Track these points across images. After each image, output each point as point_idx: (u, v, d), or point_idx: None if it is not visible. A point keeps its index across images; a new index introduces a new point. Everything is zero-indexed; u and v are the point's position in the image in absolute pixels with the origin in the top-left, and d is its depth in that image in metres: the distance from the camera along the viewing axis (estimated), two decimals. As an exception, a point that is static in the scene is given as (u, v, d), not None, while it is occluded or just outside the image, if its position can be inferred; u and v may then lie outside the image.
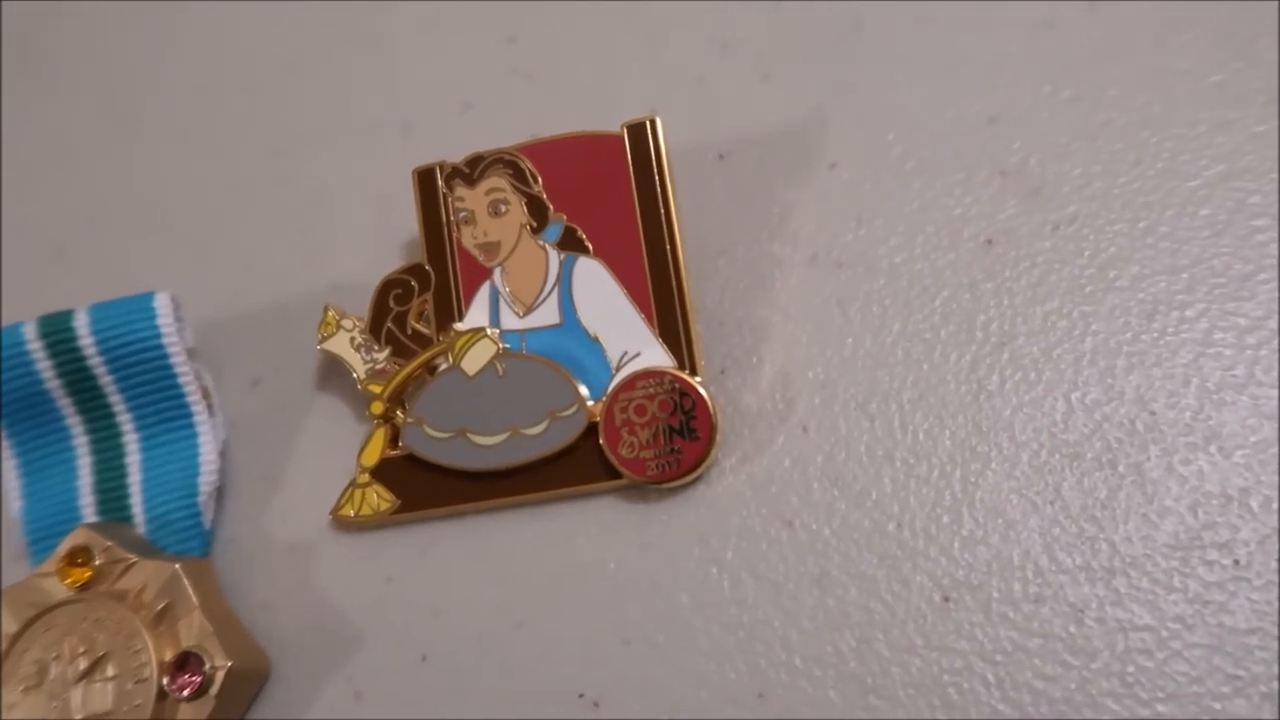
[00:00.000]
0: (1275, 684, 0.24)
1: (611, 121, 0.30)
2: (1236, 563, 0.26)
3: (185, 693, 0.27)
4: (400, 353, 0.30)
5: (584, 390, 0.29)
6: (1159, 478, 0.27)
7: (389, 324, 0.30)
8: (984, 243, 0.29)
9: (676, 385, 0.28)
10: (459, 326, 0.30)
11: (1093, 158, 0.30)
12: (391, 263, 0.31)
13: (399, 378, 0.30)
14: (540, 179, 0.30)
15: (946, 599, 0.27)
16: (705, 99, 0.33)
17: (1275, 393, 0.27)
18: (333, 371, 0.32)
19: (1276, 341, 0.27)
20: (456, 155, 0.31)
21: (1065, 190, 0.29)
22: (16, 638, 0.28)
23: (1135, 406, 0.27)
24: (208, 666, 0.27)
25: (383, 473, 0.30)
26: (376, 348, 0.30)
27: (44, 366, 0.30)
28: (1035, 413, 0.28)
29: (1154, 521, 0.26)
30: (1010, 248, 0.29)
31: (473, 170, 0.30)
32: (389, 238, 0.33)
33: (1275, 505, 0.26)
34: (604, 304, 0.29)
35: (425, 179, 0.31)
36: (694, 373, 0.29)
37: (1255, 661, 0.25)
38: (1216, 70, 0.30)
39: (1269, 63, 0.29)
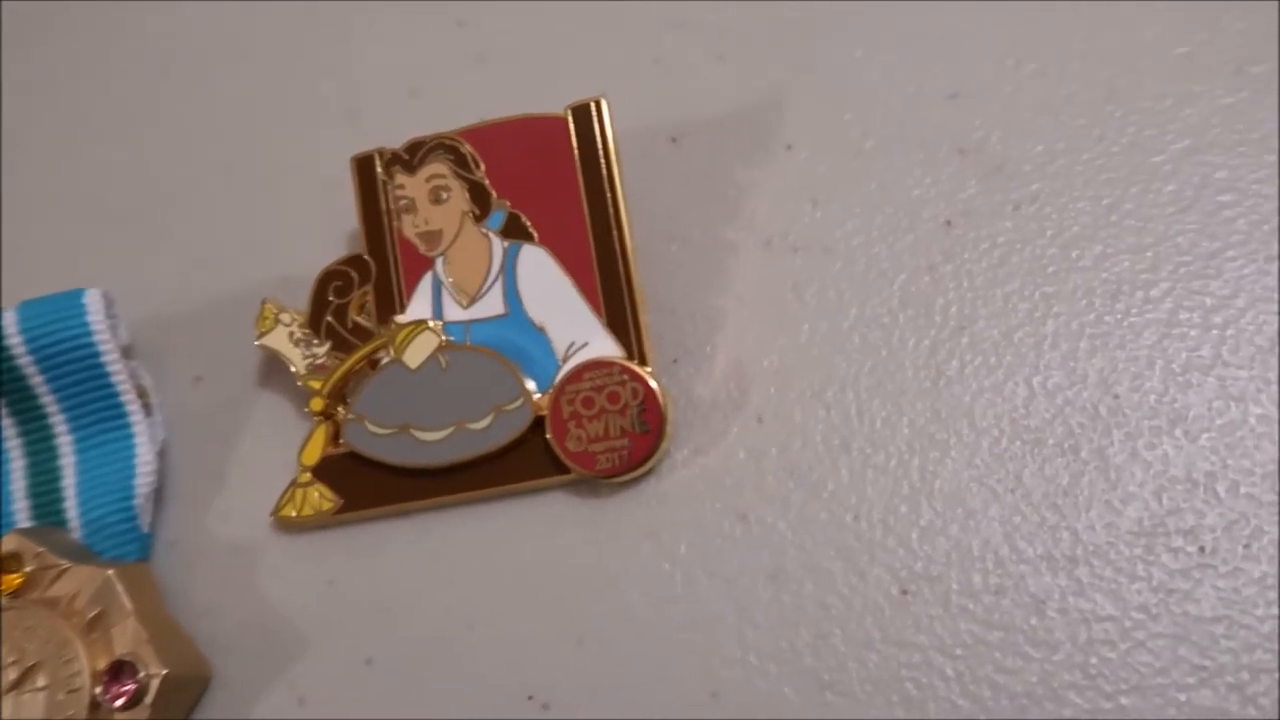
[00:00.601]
0: (1242, 674, 0.24)
1: (563, 105, 0.29)
2: (1202, 549, 0.25)
3: (119, 703, 0.26)
4: (341, 347, 0.29)
5: (530, 383, 0.28)
6: (1123, 463, 0.26)
7: (329, 317, 0.29)
8: (943, 223, 0.29)
9: (625, 376, 0.27)
10: (400, 318, 0.29)
11: (1056, 134, 0.29)
12: (337, 253, 0.31)
13: (339, 373, 0.29)
14: (483, 164, 0.29)
15: (905, 591, 0.26)
16: (658, 81, 0.32)
17: (1243, 374, 0.26)
18: (276, 368, 0.31)
19: (1243, 321, 0.26)
20: (406, 141, 0.30)
21: (1027, 168, 0.29)
22: (-56, 648, 0.27)
23: (1098, 390, 0.27)
24: (142, 674, 0.26)
25: (324, 471, 0.29)
26: (316, 342, 0.29)
27: (-31, 368, 0.29)
28: (996, 398, 0.27)
29: (1117, 508, 0.25)
30: (970, 228, 0.29)
31: (412, 157, 0.30)
32: (336, 228, 0.32)
33: (1242, 490, 0.25)
34: (550, 293, 0.28)
35: (364, 167, 0.30)
36: (643, 363, 0.28)
37: (1221, 651, 0.24)
38: (1182, 42, 0.29)
39: (1235, 34, 0.29)
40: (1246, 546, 0.25)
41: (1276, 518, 0.25)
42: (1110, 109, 0.29)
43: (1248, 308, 0.26)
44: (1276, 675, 0.24)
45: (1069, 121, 0.29)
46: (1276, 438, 0.25)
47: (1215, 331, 0.26)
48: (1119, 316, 0.27)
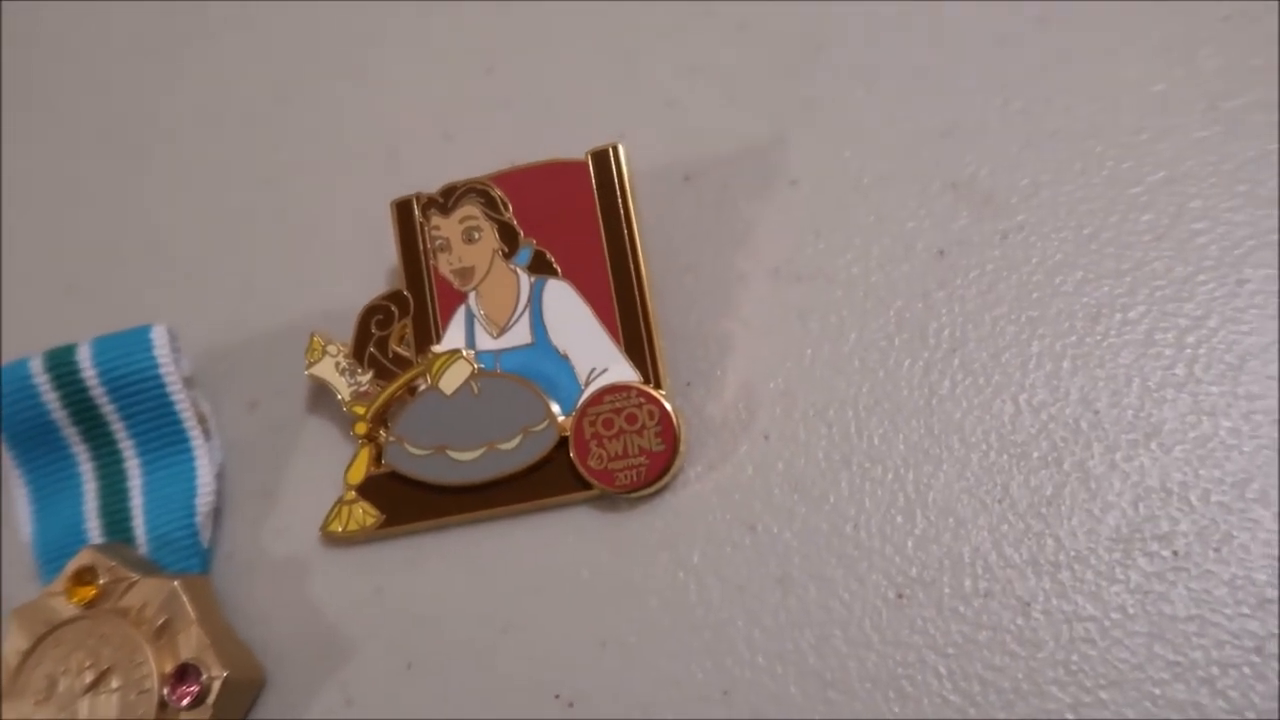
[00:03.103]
0: (1213, 669, 0.25)
1: (585, 147, 0.31)
2: (1175, 554, 0.26)
3: (184, 702, 0.28)
4: (382, 375, 0.32)
5: (555, 406, 0.30)
6: (1102, 474, 0.27)
7: (371, 348, 0.32)
8: (936, 253, 0.31)
9: (642, 399, 0.30)
10: (437, 348, 0.31)
11: (1040, 167, 0.31)
12: (379, 288, 0.33)
13: (381, 399, 0.31)
14: (511, 206, 0.32)
15: (900, 595, 0.28)
16: (673, 122, 0.34)
17: (1214, 390, 0.28)
18: (323, 395, 0.33)
19: (1215, 340, 0.28)
20: (440, 183, 0.32)
21: (1014, 200, 0.30)
22: (28, 654, 0.30)
23: (1080, 406, 0.28)
24: (205, 677, 0.29)
25: (368, 489, 0.31)
26: (360, 371, 0.32)
27: (50, 398, 0.32)
28: (984, 415, 0.29)
29: (1097, 516, 0.27)
30: (961, 257, 0.30)
31: (447, 200, 0.32)
32: (376, 264, 0.34)
33: (1213, 498, 0.27)
34: (573, 323, 0.31)
35: (403, 209, 0.32)
36: (659, 386, 0.30)
37: (1193, 648, 0.26)
38: (1158, 80, 0.31)
39: (1208, 72, 0.30)
40: (1217, 550, 0.26)
41: (1246, 524, 0.26)
42: (1091, 144, 0.30)
43: (1219, 328, 0.28)
44: (1249, 670, 0.25)
45: (1052, 156, 0.30)
46: (1247, 449, 0.27)
47: (1189, 350, 0.28)
48: (1099, 337, 0.29)
